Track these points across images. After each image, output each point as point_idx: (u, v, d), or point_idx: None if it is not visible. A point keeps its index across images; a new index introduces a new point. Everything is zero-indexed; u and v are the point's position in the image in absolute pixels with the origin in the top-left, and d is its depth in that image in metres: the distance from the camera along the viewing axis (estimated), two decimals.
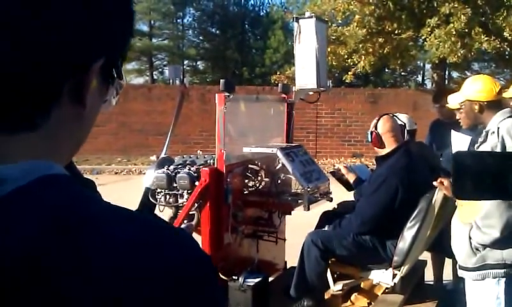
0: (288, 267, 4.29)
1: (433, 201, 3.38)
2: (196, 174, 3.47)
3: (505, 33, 13.43)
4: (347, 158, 14.13)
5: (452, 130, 4.00)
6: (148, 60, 31.47)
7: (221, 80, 3.40)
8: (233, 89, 3.41)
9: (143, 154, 14.24)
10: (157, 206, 3.60)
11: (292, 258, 4.03)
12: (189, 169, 3.63)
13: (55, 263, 0.52)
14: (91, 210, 0.57)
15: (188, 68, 34.06)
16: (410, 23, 14.98)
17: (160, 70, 32.11)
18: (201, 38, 33.22)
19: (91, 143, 14.63)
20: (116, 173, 13.24)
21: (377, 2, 14.46)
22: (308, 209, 3.48)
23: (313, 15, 4.16)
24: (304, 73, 4.05)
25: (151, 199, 3.59)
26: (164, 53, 32.02)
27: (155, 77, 32.01)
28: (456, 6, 13.39)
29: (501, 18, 13.48)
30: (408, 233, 3.42)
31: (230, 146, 3.51)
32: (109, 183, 11.15)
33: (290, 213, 3.83)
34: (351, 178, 4.16)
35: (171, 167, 3.71)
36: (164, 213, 3.60)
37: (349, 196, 4.36)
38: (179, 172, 3.57)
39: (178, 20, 33.29)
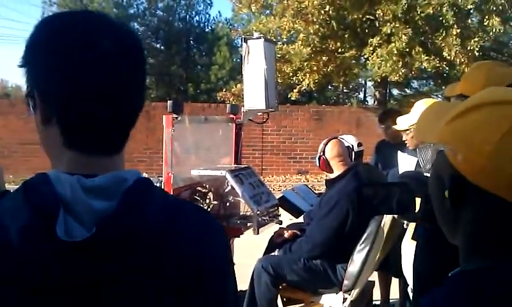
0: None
1: (382, 224, 3.40)
2: None
3: (444, 53, 13.95)
4: (292, 175, 14.23)
5: (398, 151, 4.05)
6: None
7: (169, 102, 3.30)
8: (181, 111, 3.32)
9: None
10: None
11: (240, 279, 3.95)
12: None
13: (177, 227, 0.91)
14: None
15: None
16: (353, 42, 15.34)
17: None
18: (145, 53, 32.83)
19: (30, 162, 14.10)
20: None
21: (321, 21, 14.72)
22: (258, 233, 3.41)
23: (261, 36, 4.13)
24: (253, 94, 4.01)
25: None
26: None
27: None
28: (397, 25, 13.82)
29: (440, 38, 14.00)
30: (358, 257, 3.41)
31: (177, 169, 3.42)
32: None
33: (239, 237, 3.76)
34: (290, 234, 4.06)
35: None
36: None
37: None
38: None
39: None
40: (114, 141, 0.93)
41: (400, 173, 3.52)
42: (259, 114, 4.25)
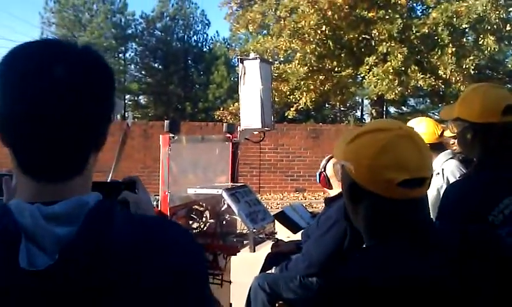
0: None
1: None
2: None
3: (439, 71, 14.08)
4: (290, 193, 14.24)
5: None
6: None
7: (166, 121, 3.35)
8: (178, 130, 3.36)
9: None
10: None
11: (236, 299, 3.96)
12: None
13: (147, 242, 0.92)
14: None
15: (130, 102, 33.66)
16: (349, 61, 15.49)
17: None
18: (143, 72, 33.00)
19: None
20: None
21: (318, 40, 14.88)
22: (254, 250, 3.44)
23: (257, 56, 4.20)
24: (249, 113, 4.06)
25: None
26: None
27: None
28: (393, 45, 13.96)
29: (435, 57, 14.15)
30: None
31: (174, 188, 3.45)
32: None
33: (236, 255, 3.78)
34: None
35: None
36: None
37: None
38: None
39: (120, 55, 32.99)
40: (69, 166, 0.92)
41: None
42: (255, 132, 4.30)
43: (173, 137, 3.31)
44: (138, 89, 32.26)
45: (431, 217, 1.40)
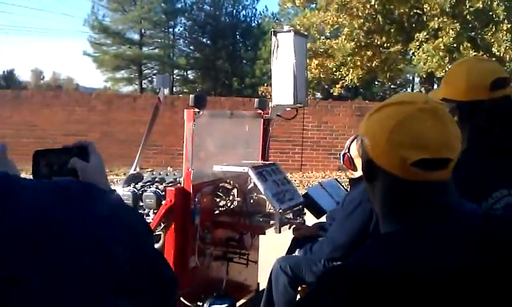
0: (261, 288, 4.11)
1: None
2: (163, 193, 3.30)
3: (493, 48, 13.44)
4: (332, 172, 14.01)
5: None
6: (138, 69, 31.29)
7: (190, 96, 3.23)
8: (204, 105, 3.25)
9: (126, 164, 14.00)
10: None
11: (264, 278, 3.86)
12: (157, 187, 3.47)
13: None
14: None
15: (178, 77, 33.93)
16: (399, 37, 15.01)
17: (149, 78, 31.92)
18: (191, 47, 33.12)
19: None
20: None
21: (367, 15, 14.46)
22: (280, 232, 3.32)
23: (291, 29, 4.02)
24: (281, 89, 3.92)
25: None
26: (154, 62, 31.85)
27: (144, 85, 31.82)
28: (445, 20, 13.42)
29: (489, 34, 13.52)
30: None
31: (200, 164, 3.36)
32: None
33: (264, 234, 3.67)
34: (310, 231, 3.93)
35: (139, 185, 3.55)
36: None
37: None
38: (146, 190, 3.41)
39: (169, 30, 33.19)
40: None
41: None
42: (288, 109, 4.14)
43: (198, 112, 3.21)
44: (186, 64, 32.43)
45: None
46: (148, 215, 3.36)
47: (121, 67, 30.86)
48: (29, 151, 1.18)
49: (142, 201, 3.37)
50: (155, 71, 31.21)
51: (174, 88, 31.88)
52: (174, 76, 32.40)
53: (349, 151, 3.54)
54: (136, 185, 3.52)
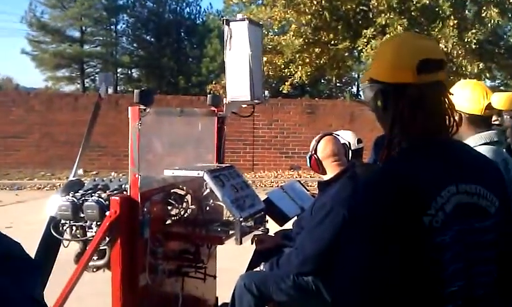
0: (220, 303, 3.75)
1: None
2: (107, 203, 2.88)
3: (440, 44, 13.48)
4: (284, 171, 13.79)
5: None
6: (80, 67, 30.25)
7: (135, 91, 2.82)
8: (150, 102, 2.85)
9: (68, 167, 13.29)
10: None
11: (224, 291, 3.50)
12: (100, 196, 3.03)
13: None
14: None
15: (122, 76, 33.03)
16: (346, 33, 14.89)
17: (92, 77, 30.90)
18: (135, 45, 32.28)
19: (12, 156, 13.57)
20: (38, 188, 12.36)
21: (314, 12, 14.26)
22: (241, 243, 2.96)
23: (245, 17, 3.66)
24: (237, 84, 3.55)
25: (53, 232, 2.97)
26: (96, 60, 30.88)
27: (86, 84, 30.77)
28: (392, 16, 13.38)
29: (436, 30, 13.56)
30: None
31: (148, 169, 2.96)
32: (30, 199, 10.54)
33: (222, 244, 3.29)
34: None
35: (79, 193, 3.09)
36: (69, 248, 2.99)
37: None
38: (87, 200, 2.96)
39: (111, 27, 32.20)
40: None
41: None
42: (244, 106, 3.79)
43: (144, 109, 2.81)
44: (130, 62, 31.56)
45: None
46: (90, 228, 2.94)
47: (62, 66, 29.74)
48: None
49: (82, 212, 2.93)
50: (97, 70, 30.21)
51: (118, 87, 30.97)
52: (118, 74, 31.51)
53: (315, 153, 3.22)
54: (76, 194, 3.05)
